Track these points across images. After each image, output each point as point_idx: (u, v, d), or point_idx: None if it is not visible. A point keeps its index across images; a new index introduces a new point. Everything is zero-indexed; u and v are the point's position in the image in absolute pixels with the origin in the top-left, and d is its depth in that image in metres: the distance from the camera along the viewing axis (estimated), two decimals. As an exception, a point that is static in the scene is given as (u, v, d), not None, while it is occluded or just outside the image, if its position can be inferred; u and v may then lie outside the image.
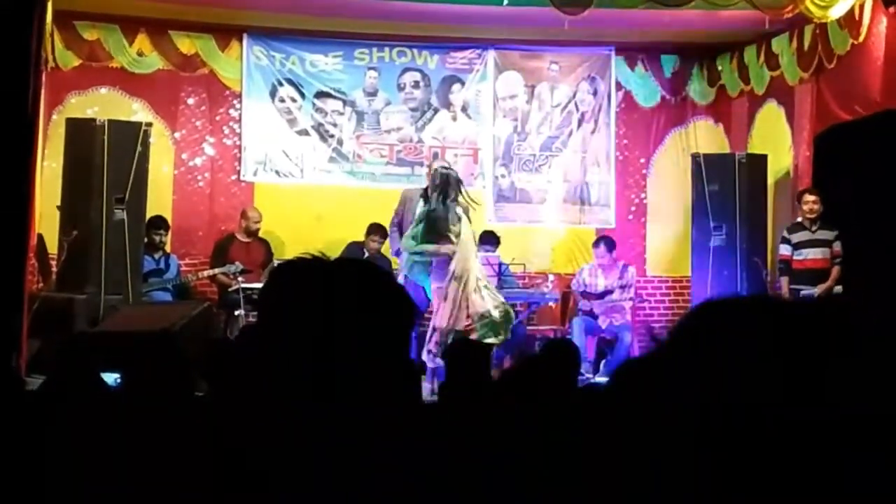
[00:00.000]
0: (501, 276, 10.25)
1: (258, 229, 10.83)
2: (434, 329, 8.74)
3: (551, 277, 11.43)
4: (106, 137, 9.49)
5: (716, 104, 11.91)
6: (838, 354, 1.18)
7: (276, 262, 9.93)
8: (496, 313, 8.82)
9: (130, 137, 9.62)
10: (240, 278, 10.05)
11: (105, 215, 9.39)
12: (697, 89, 11.92)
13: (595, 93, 11.84)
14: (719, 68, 11.73)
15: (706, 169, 10.56)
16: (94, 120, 9.86)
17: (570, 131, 11.83)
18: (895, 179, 8.64)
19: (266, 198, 11.33)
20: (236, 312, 9.87)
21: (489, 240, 10.60)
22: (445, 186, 8.87)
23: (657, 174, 11.95)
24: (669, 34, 11.15)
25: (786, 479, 1.14)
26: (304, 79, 11.41)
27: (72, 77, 10.84)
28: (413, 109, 11.67)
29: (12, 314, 7.48)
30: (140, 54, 10.98)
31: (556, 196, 11.79)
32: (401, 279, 8.89)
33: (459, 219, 8.89)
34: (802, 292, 9.49)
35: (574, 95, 11.83)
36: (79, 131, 9.71)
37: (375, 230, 10.66)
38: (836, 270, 9.54)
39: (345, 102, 11.51)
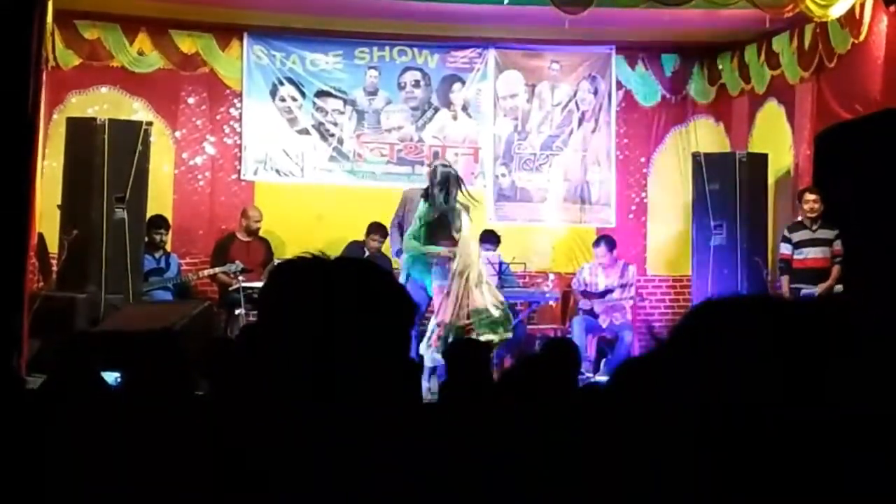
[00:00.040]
0: (502, 275, 10.25)
1: (259, 228, 10.83)
2: (437, 324, 8.72)
3: (552, 276, 11.44)
4: (106, 137, 9.50)
5: (716, 103, 11.91)
6: (838, 354, 1.18)
7: (276, 262, 9.93)
8: (495, 312, 8.82)
9: (131, 137, 9.63)
10: (240, 277, 10.05)
11: (105, 214, 9.40)
12: (698, 88, 11.92)
13: (595, 92, 11.84)
14: (720, 67, 11.73)
15: (707, 168, 10.56)
16: (94, 119, 9.86)
17: (570, 130, 11.83)
18: (895, 178, 8.64)
19: (266, 197, 11.33)
20: (237, 312, 9.87)
21: (489, 239, 10.60)
22: (446, 184, 8.87)
23: (658, 173, 11.95)
24: (670, 33, 11.15)
25: (786, 479, 1.14)
26: (304, 78, 11.41)
27: (72, 76, 10.84)
28: (413, 108, 11.67)
29: (13, 313, 7.49)
30: (140, 53, 10.99)
31: (556, 195, 11.79)
32: (402, 279, 8.88)
33: (461, 216, 8.90)
34: (803, 291, 9.48)
35: (574, 94, 11.82)
36: (79, 130, 9.71)
37: (376, 229, 10.66)
38: (836, 269, 9.54)
39: (345, 101, 11.52)
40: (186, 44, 11.11)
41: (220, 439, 1.66)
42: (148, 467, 2.18)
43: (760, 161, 10.57)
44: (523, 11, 10.27)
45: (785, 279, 9.78)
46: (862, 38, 9.07)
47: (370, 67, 11.55)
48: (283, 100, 11.40)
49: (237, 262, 10.27)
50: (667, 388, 1.22)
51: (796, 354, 1.17)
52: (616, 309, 10.64)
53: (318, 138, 11.46)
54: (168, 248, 10.53)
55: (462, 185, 9.10)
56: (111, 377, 4.83)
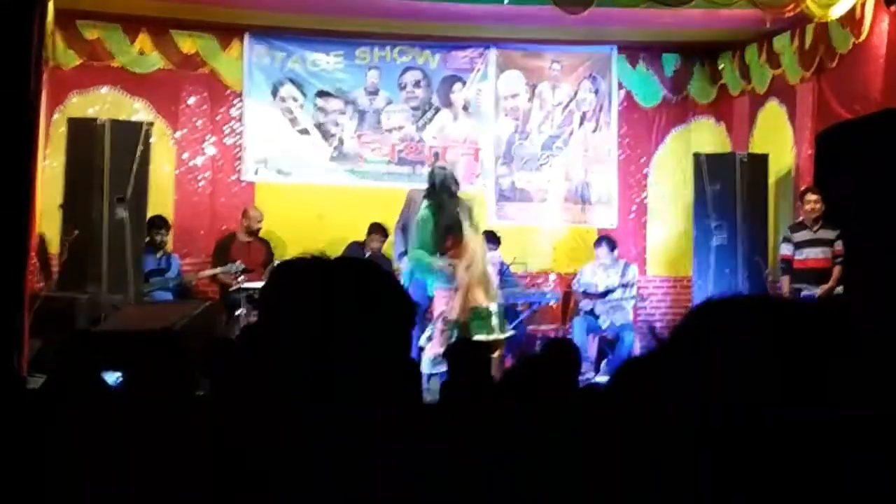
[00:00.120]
0: (503, 275, 10.24)
1: (259, 229, 10.83)
2: (442, 320, 8.66)
3: (552, 277, 11.44)
4: (107, 137, 9.50)
5: (717, 103, 11.91)
6: (838, 354, 1.18)
7: (276, 262, 9.91)
8: (492, 312, 8.79)
9: (132, 137, 9.63)
10: (241, 278, 10.06)
11: (106, 215, 9.40)
12: (698, 88, 11.92)
13: (596, 92, 11.84)
14: (720, 67, 11.73)
15: (707, 168, 10.55)
16: (95, 119, 9.86)
17: (571, 130, 11.84)
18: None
19: (267, 197, 11.34)
20: (237, 312, 9.87)
21: (490, 239, 10.59)
22: (445, 182, 8.86)
23: (658, 173, 11.95)
24: (670, 33, 11.15)
25: (786, 480, 1.14)
26: (305, 78, 11.41)
27: (73, 76, 10.84)
28: (414, 109, 11.68)
29: (14, 314, 7.49)
30: (141, 53, 10.99)
31: (557, 195, 11.79)
32: (404, 281, 8.86)
33: (466, 211, 8.87)
34: (804, 293, 9.47)
35: (575, 94, 11.83)
36: (80, 131, 9.71)
37: (377, 230, 10.67)
38: (837, 270, 9.53)
39: (346, 102, 11.52)
40: (187, 44, 11.12)
41: (220, 439, 1.66)
42: (148, 467, 2.18)
43: (761, 161, 10.57)
44: (524, 11, 10.27)
45: (786, 279, 9.77)
46: (863, 37, 9.07)
47: (371, 67, 11.56)
48: (283, 100, 11.40)
49: (238, 262, 10.27)
50: (667, 389, 1.22)
51: (796, 355, 1.17)
52: (617, 309, 10.64)
53: (319, 138, 11.47)
54: (169, 248, 10.53)
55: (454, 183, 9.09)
56: (112, 377, 4.83)
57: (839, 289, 9.42)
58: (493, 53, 11.69)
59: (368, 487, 1.49)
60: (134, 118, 10.49)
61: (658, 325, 11.48)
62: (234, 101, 11.40)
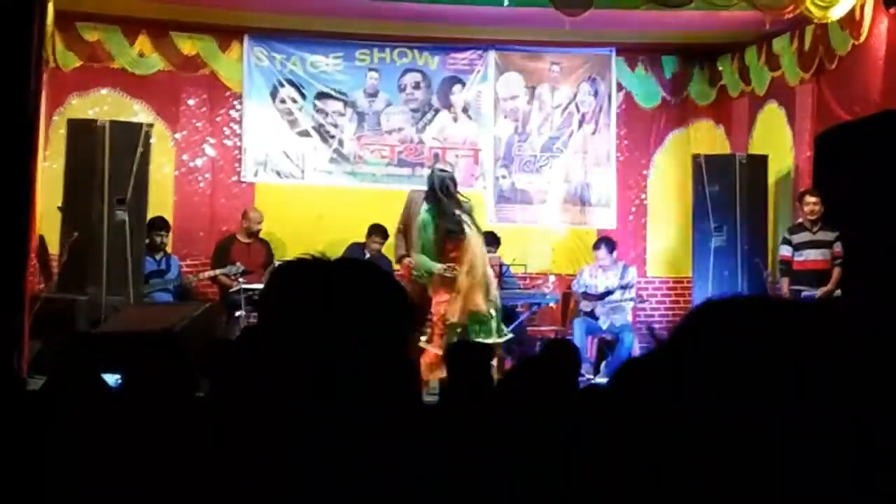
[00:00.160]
0: (502, 276, 10.24)
1: (259, 230, 10.83)
2: (441, 321, 8.63)
3: (552, 278, 11.44)
4: (107, 138, 9.50)
5: (716, 105, 11.91)
6: (838, 355, 1.18)
7: (276, 263, 9.92)
8: (491, 315, 8.77)
9: (131, 138, 9.63)
10: (241, 279, 10.06)
11: (106, 216, 9.40)
12: (698, 90, 11.92)
13: (596, 94, 11.85)
14: (720, 69, 11.73)
15: (707, 170, 10.55)
16: (95, 121, 9.87)
17: (570, 132, 11.84)
18: (895, 180, 8.63)
19: (267, 199, 11.34)
20: (237, 313, 9.87)
21: (490, 240, 10.58)
22: (444, 184, 8.82)
23: (658, 175, 11.95)
24: (670, 35, 11.15)
25: (786, 480, 1.14)
26: (304, 80, 11.42)
27: (73, 78, 10.85)
28: (414, 110, 11.68)
29: (13, 315, 7.49)
30: (141, 55, 10.99)
31: (556, 197, 11.79)
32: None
33: (467, 212, 8.84)
34: (804, 294, 9.47)
35: (575, 96, 11.83)
36: (80, 132, 9.71)
37: (376, 231, 10.67)
38: (837, 272, 9.53)
39: (346, 103, 11.52)
40: (187, 45, 11.12)
41: (220, 440, 1.66)
42: (148, 468, 2.18)
43: (761, 163, 10.57)
44: (523, 13, 10.28)
45: (785, 281, 9.77)
46: (862, 39, 9.08)
47: (370, 69, 11.56)
48: (283, 101, 11.41)
49: (238, 263, 10.27)
50: (667, 390, 1.23)
51: (796, 355, 1.18)
52: (616, 310, 10.64)
53: (319, 140, 11.47)
54: (168, 249, 10.53)
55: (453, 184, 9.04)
56: (112, 379, 4.83)
57: (838, 291, 9.42)
58: (492, 55, 11.69)
59: (368, 487, 1.49)
60: (134, 119, 10.49)
61: (657, 326, 11.47)
62: (234, 103, 11.40)
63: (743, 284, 10.13)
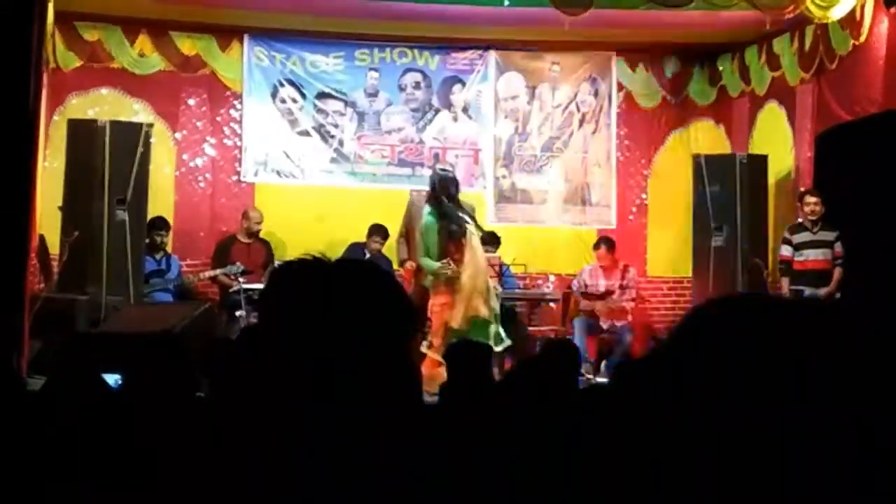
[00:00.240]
0: (502, 276, 10.23)
1: (259, 230, 10.83)
2: (443, 326, 8.61)
3: (552, 278, 11.43)
4: (107, 138, 9.50)
5: (717, 105, 11.91)
6: (839, 355, 1.18)
7: (276, 263, 9.93)
8: (490, 321, 8.76)
9: (131, 138, 9.63)
10: (241, 279, 10.06)
11: (106, 216, 9.40)
12: (698, 90, 11.92)
13: (596, 93, 11.85)
14: (720, 69, 11.73)
15: (707, 169, 10.55)
16: (95, 121, 9.87)
17: (571, 132, 11.84)
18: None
19: (267, 198, 11.34)
20: (237, 313, 9.88)
21: (490, 240, 10.58)
22: (445, 185, 8.78)
23: (658, 175, 11.95)
24: (670, 35, 11.15)
25: (786, 480, 1.14)
26: (305, 79, 11.42)
27: (73, 78, 10.85)
28: (414, 110, 11.68)
29: (14, 314, 7.48)
30: (141, 55, 11.00)
31: (556, 197, 11.79)
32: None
33: (467, 215, 8.81)
34: (807, 293, 9.44)
35: (575, 96, 11.83)
36: (80, 132, 9.71)
37: (377, 231, 10.67)
38: (837, 272, 9.52)
39: (346, 103, 11.52)
40: (187, 45, 11.12)
41: (220, 440, 1.66)
42: (148, 468, 2.18)
43: (761, 163, 10.57)
44: (524, 13, 10.28)
45: (785, 281, 9.77)
46: (862, 39, 9.08)
47: (371, 69, 11.56)
48: (283, 101, 11.41)
49: (238, 263, 10.27)
50: (667, 390, 1.23)
51: (796, 355, 1.18)
52: (616, 310, 10.64)
53: (319, 140, 11.47)
54: (169, 249, 10.54)
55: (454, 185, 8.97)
56: (112, 379, 4.83)
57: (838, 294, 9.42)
58: (492, 55, 11.69)
59: (368, 487, 1.49)
60: (134, 119, 10.49)
61: (657, 326, 11.48)
62: (234, 103, 11.40)
63: (743, 284, 10.12)
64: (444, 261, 8.57)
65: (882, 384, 1.17)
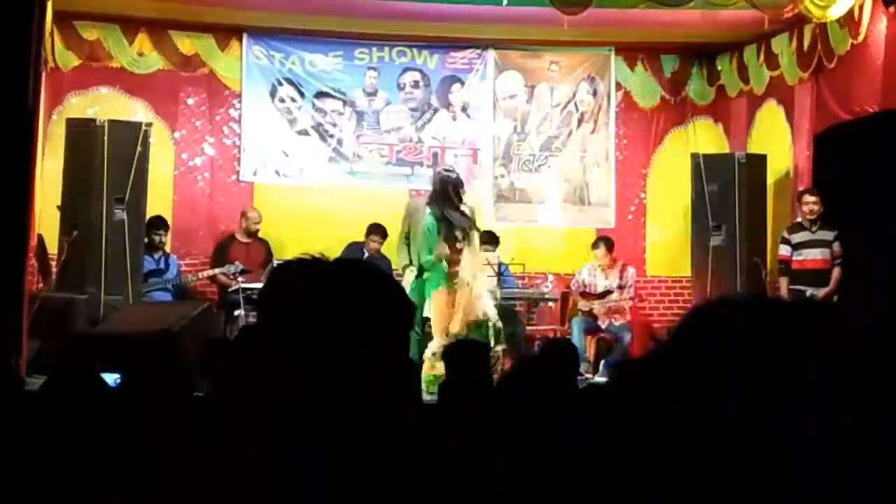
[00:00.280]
0: (501, 276, 10.23)
1: (258, 230, 10.83)
2: (443, 332, 8.58)
3: (551, 277, 11.42)
4: (106, 137, 9.50)
5: (715, 104, 11.91)
6: (839, 355, 1.18)
7: (275, 263, 9.92)
8: (489, 324, 8.74)
9: (130, 137, 9.63)
10: (240, 278, 10.06)
11: (105, 215, 9.40)
12: (697, 89, 11.93)
13: (595, 93, 11.85)
14: (719, 68, 11.73)
15: (706, 169, 10.55)
16: (94, 120, 9.86)
17: (569, 131, 11.84)
18: (895, 179, 8.64)
19: (266, 198, 11.34)
20: (236, 313, 9.88)
21: (489, 240, 10.58)
22: (446, 189, 8.73)
23: (657, 174, 11.95)
24: (669, 34, 11.15)
25: (786, 480, 1.14)
26: (303, 79, 11.41)
27: (72, 77, 10.84)
28: (413, 109, 11.68)
29: (12, 314, 7.49)
30: (140, 54, 10.99)
31: (555, 196, 11.79)
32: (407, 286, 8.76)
33: (468, 221, 8.76)
34: (807, 294, 9.43)
35: (574, 95, 11.83)
36: (79, 131, 9.71)
37: (375, 230, 10.67)
38: (836, 272, 9.53)
39: (345, 102, 11.52)
40: (186, 44, 11.12)
41: (220, 440, 1.66)
42: (148, 468, 2.18)
43: (759, 162, 10.56)
44: (522, 12, 10.28)
45: (784, 280, 9.77)
46: (861, 38, 9.08)
47: (369, 68, 11.56)
48: (282, 100, 11.40)
49: (236, 263, 10.27)
50: (667, 389, 1.23)
51: (796, 355, 1.18)
52: (615, 310, 10.64)
53: (318, 139, 11.47)
54: (167, 249, 10.53)
55: (462, 190, 8.88)
56: (111, 378, 4.83)
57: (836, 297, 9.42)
58: (491, 54, 11.69)
59: (368, 487, 1.49)
60: (133, 119, 10.48)
61: (656, 325, 11.48)
62: (233, 102, 11.40)
63: (742, 284, 10.12)
64: (444, 251, 8.53)
65: (882, 384, 1.17)
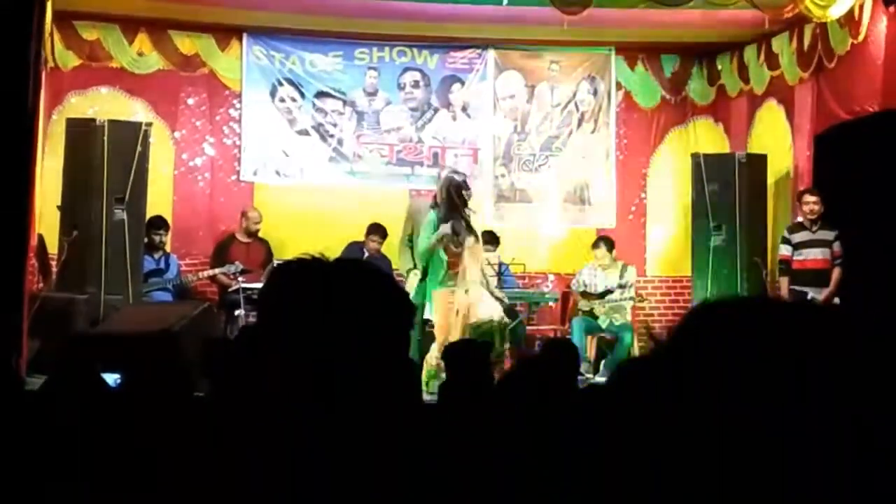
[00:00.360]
0: (501, 276, 10.24)
1: (258, 229, 10.84)
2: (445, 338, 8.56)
3: (551, 277, 11.43)
4: (106, 137, 9.50)
5: (716, 104, 11.92)
6: (839, 355, 1.18)
7: (275, 263, 9.92)
8: (495, 318, 8.73)
9: (130, 137, 9.63)
10: (240, 278, 10.06)
11: (105, 215, 9.40)
12: (697, 89, 11.93)
13: (595, 92, 11.85)
14: (719, 68, 11.73)
15: (706, 169, 10.55)
16: (94, 120, 9.86)
17: (570, 131, 11.84)
18: (895, 179, 8.64)
19: (266, 198, 11.34)
20: (236, 312, 9.88)
21: (489, 240, 10.58)
22: (450, 195, 8.69)
23: (657, 174, 11.95)
24: (669, 34, 11.15)
25: (786, 480, 1.14)
26: (303, 78, 11.42)
27: (72, 77, 10.85)
28: (413, 109, 11.68)
29: (12, 314, 7.49)
30: (140, 54, 10.99)
31: (555, 196, 11.79)
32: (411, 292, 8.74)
33: (468, 226, 8.73)
34: (810, 296, 9.43)
35: (574, 95, 11.83)
36: (79, 131, 9.71)
37: (375, 230, 10.67)
38: (837, 272, 9.53)
39: (345, 102, 11.52)
40: (186, 44, 11.12)
41: (220, 440, 1.66)
42: (148, 468, 2.18)
43: (760, 162, 10.57)
44: (522, 12, 10.28)
45: (784, 280, 9.77)
46: (861, 38, 9.08)
47: (370, 68, 11.56)
48: (282, 100, 11.40)
49: (237, 262, 10.27)
50: (667, 390, 1.23)
51: (796, 355, 1.17)
52: (616, 310, 10.63)
53: (318, 139, 11.47)
54: (167, 248, 10.54)
55: (465, 192, 8.83)
56: (111, 378, 4.83)
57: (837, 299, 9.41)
58: (491, 54, 11.69)
59: (368, 487, 1.49)
60: (133, 119, 10.48)
61: (657, 325, 11.48)
62: (233, 102, 11.40)
63: (742, 283, 10.13)
64: (445, 236, 8.51)
65: (882, 384, 1.17)
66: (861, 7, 8.99)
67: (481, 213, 10.71)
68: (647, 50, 11.79)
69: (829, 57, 9.69)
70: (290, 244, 10.76)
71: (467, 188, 8.77)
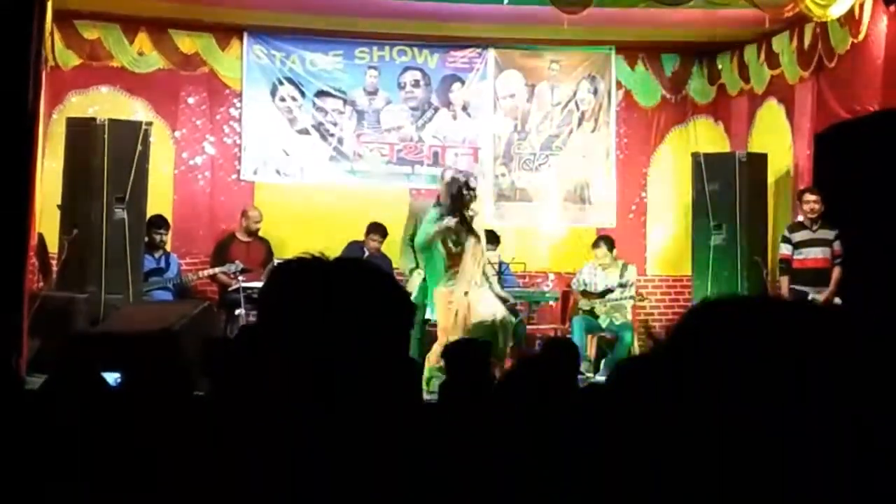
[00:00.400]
0: (502, 275, 10.23)
1: (258, 229, 10.83)
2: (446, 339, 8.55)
3: (551, 276, 11.43)
4: (106, 137, 9.50)
5: (716, 103, 11.92)
6: (839, 355, 1.18)
7: (276, 262, 9.92)
8: (498, 317, 8.72)
9: (131, 136, 9.63)
10: (240, 277, 10.06)
11: (105, 214, 9.40)
12: (697, 88, 11.93)
13: (595, 92, 11.84)
14: (719, 67, 11.73)
15: (706, 168, 10.55)
16: (94, 119, 9.86)
17: (570, 130, 11.84)
18: (895, 179, 8.64)
19: (266, 197, 11.34)
20: (236, 312, 9.88)
21: (489, 239, 10.57)
22: (453, 196, 8.68)
23: (657, 173, 11.95)
24: (669, 33, 11.15)
25: (786, 480, 1.14)
26: (304, 78, 11.41)
27: (72, 76, 10.85)
28: (413, 108, 11.67)
29: (12, 313, 7.49)
30: (140, 53, 10.99)
31: (556, 195, 11.79)
32: (413, 293, 8.74)
33: (469, 228, 8.72)
34: (811, 296, 9.43)
35: (574, 94, 11.83)
36: (79, 130, 9.71)
37: (375, 229, 10.67)
38: (837, 271, 9.53)
39: (345, 101, 11.52)
40: (186, 44, 11.12)
41: (220, 439, 1.66)
42: (148, 468, 2.18)
43: (760, 161, 10.57)
44: (523, 11, 10.28)
45: (785, 279, 9.77)
46: (861, 37, 9.08)
47: (370, 67, 11.55)
48: (282, 100, 11.40)
49: (237, 262, 10.27)
50: (666, 389, 1.22)
51: (796, 355, 1.17)
52: (616, 309, 10.63)
53: (318, 138, 11.46)
54: (168, 248, 10.53)
55: (469, 192, 8.80)
56: (111, 377, 4.83)
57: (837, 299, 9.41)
58: (491, 53, 11.69)
59: (368, 487, 1.49)
60: (133, 118, 10.49)
61: (657, 324, 11.48)
62: (234, 101, 11.40)
63: (742, 283, 10.13)
64: (447, 225, 8.50)
65: (882, 384, 1.17)
66: (861, 6, 8.98)
67: (481, 213, 10.71)
68: (647, 49, 11.79)
69: (829, 56, 9.68)
70: (290, 243, 10.76)
71: (470, 188, 8.76)
